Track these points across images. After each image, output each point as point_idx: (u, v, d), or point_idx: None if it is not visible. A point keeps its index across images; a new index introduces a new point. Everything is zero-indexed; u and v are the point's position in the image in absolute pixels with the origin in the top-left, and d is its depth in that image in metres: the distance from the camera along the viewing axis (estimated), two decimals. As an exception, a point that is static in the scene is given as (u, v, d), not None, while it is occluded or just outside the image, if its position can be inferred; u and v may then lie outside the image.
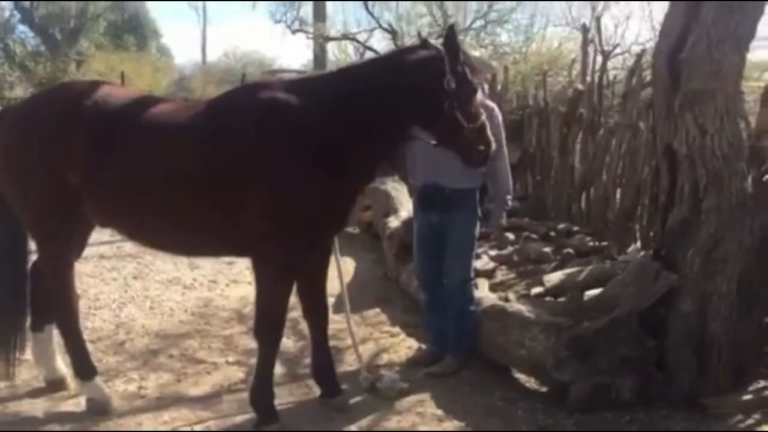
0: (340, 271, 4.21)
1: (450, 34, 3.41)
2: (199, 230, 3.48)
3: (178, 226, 3.49)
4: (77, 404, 3.80)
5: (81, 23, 18.20)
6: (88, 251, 6.61)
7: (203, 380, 4.18)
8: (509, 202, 4.55)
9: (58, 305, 3.75)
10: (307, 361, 4.50)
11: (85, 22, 18.17)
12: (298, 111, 3.32)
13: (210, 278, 6.47)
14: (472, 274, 4.45)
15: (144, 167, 3.40)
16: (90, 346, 4.61)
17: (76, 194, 3.46)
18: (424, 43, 3.45)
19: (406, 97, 3.31)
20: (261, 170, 3.28)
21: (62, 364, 3.96)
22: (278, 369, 4.33)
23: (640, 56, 7.17)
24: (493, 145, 3.60)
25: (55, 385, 3.93)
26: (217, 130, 3.36)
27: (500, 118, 4.35)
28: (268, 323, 3.50)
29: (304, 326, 5.09)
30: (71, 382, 3.92)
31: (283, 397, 3.94)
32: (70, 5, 18.02)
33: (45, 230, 3.64)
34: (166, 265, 6.90)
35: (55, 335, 3.92)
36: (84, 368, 3.75)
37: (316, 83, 3.59)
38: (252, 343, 4.64)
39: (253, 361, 4.39)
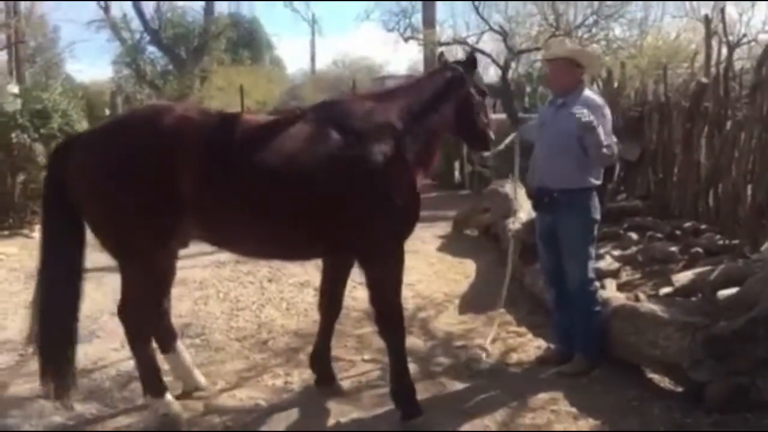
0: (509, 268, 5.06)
1: (471, 56, 4.34)
2: (314, 237, 3.69)
3: (287, 232, 3.66)
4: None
5: (204, 41, 19.28)
6: (224, 257, 7.17)
7: (342, 376, 4.42)
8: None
9: (133, 322, 3.74)
10: (440, 359, 4.70)
11: (208, 39, 19.23)
12: (391, 122, 3.77)
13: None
14: (591, 275, 4.44)
15: (257, 180, 3.52)
16: (236, 345, 5.06)
17: (183, 210, 3.50)
18: (446, 65, 4.25)
19: (450, 107, 4.03)
20: (376, 178, 3.60)
21: (199, 375, 4.23)
22: (412, 367, 4.55)
23: (769, 45, 6.89)
24: (603, 139, 4.15)
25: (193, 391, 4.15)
26: (326, 142, 3.59)
27: (607, 112, 4.38)
28: (390, 316, 3.73)
29: (433, 326, 5.33)
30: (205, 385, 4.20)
31: (419, 394, 4.12)
32: (194, 25, 19.14)
33: (137, 245, 3.59)
34: (296, 268, 7.27)
35: (184, 351, 4.22)
36: (155, 385, 3.76)
37: (391, 96, 3.99)
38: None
39: (385, 357, 4.64)
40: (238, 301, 6.12)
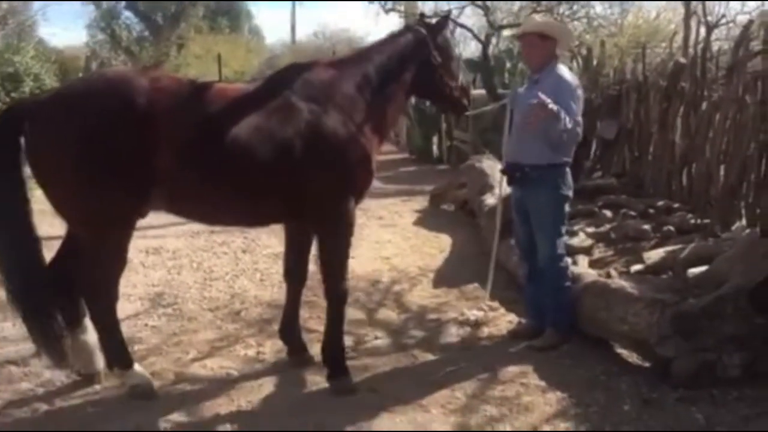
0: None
1: (440, 19, 4.35)
2: (272, 202, 3.74)
3: (254, 201, 3.72)
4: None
5: (181, 8, 18.93)
6: (198, 227, 7.11)
7: (314, 347, 4.42)
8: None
9: (98, 297, 3.65)
10: (412, 332, 4.73)
11: (186, 6, 18.88)
12: (347, 88, 3.82)
13: (312, 253, 6.71)
14: (561, 251, 4.46)
15: (227, 151, 3.51)
16: (209, 315, 5.04)
17: (155, 183, 3.46)
18: (408, 28, 4.31)
19: (410, 71, 4.04)
20: (330, 142, 3.68)
21: (100, 359, 3.87)
22: (385, 340, 4.59)
23: (747, 26, 6.92)
24: (568, 122, 4.07)
25: (90, 378, 3.87)
26: (283, 109, 3.65)
27: (579, 93, 4.36)
28: (339, 279, 3.88)
29: (407, 299, 5.35)
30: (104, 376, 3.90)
31: (391, 366, 4.16)
32: (171, -9, 18.85)
33: (108, 219, 3.49)
34: (270, 239, 7.23)
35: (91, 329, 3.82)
36: (122, 357, 3.73)
37: (350, 63, 4.02)
38: (358, 314, 4.91)
39: (361, 331, 4.68)
40: (212, 271, 6.09)
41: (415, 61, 4.05)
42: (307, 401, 3.76)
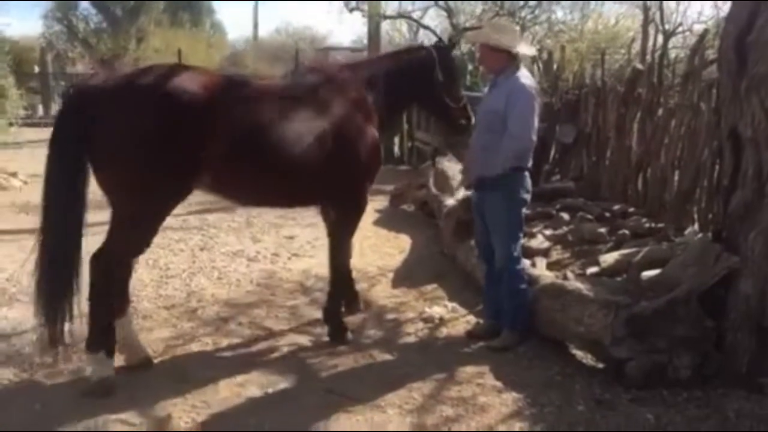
0: None
1: (448, 43, 4.93)
2: (302, 188, 4.28)
3: (287, 185, 4.20)
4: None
5: (141, 1, 18.56)
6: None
7: (272, 347, 4.39)
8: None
9: (103, 276, 3.72)
10: (370, 332, 4.73)
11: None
12: (361, 89, 4.41)
13: (272, 251, 6.70)
14: (517, 253, 4.49)
15: (264, 137, 3.92)
16: (165, 313, 4.97)
17: (202, 173, 3.77)
18: (422, 47, 4.93)
19: (412, 84, 4.59)
20: (348, 143, 4.25)
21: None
22: (343, 339, 4.57)
23: (703, 35, 7.07)
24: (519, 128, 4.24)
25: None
26: (312, 107, 4.17)
27: (534, 102, 4.33)
28: (341, 252, 4.63)
29: (366, 299, 5.33)
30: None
31: (349, 366, 4.15)
32: (131, -17, 18.42)
33: (159, 202, 3.76)
34: (229, 237, 7.18)
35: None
36: (103, 343, 3.74)
37: (365, 67, 4.64)
38: (316, 312, 4.89)
39: (319, 330, 4.66)
40: (168, 268, 5.99)
41: (419, 76, 4.59)
42: (264, 401, 3.73)
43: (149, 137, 3.55)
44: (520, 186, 4.39)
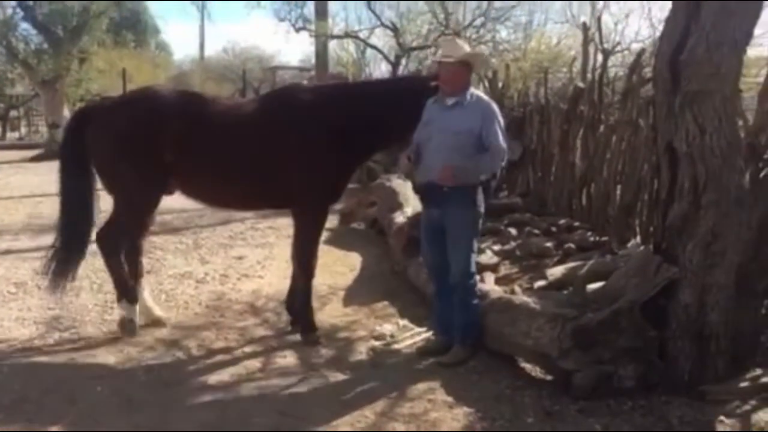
0: None
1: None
2: (263, 194, 4.90)
3: (247, 190, 4.92)
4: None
5: (84, 21, 18.18)
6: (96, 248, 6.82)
7: (222, 369, 4.33)
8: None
9: (110, 245, 4.89)
10: (322, 351, 4.70)
11: (88, 19, 18.13)
12: (325, 112, 4.73)
13: (221, 273, 6.62)
14: (473, 268, 4.55)
15: (222, 150, 4.71)
16: (110, 338, 4.84)
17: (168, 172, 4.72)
18: (418, 75, 5.40)
19: (399, 112, 4.63)
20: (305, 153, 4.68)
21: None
22: (292, 360, 4.54)
23: (640, 54, 7.32)
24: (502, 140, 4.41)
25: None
26: (273, 123, 4.73)
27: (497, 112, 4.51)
28: (306, 260, 4.90)
29: (317, 318, 5.28)
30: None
31: (300, 387, 4.11)
32: (73, 4, 18.00)
33: (138, 197, 4.84)
34: (177, 259, 7.07)
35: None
36: (129, 293, 4.93)
37: (336, 90, 5.27)
38: (266, 332, 4.85)
39: (270, 349, 4.61)
40: (113, 293, 5.82)
41: (409, 107, 4.61)
42: (215, 424, 3.66)
43: (126, 150, 4.66)
44: (480, 199, 4.46)
